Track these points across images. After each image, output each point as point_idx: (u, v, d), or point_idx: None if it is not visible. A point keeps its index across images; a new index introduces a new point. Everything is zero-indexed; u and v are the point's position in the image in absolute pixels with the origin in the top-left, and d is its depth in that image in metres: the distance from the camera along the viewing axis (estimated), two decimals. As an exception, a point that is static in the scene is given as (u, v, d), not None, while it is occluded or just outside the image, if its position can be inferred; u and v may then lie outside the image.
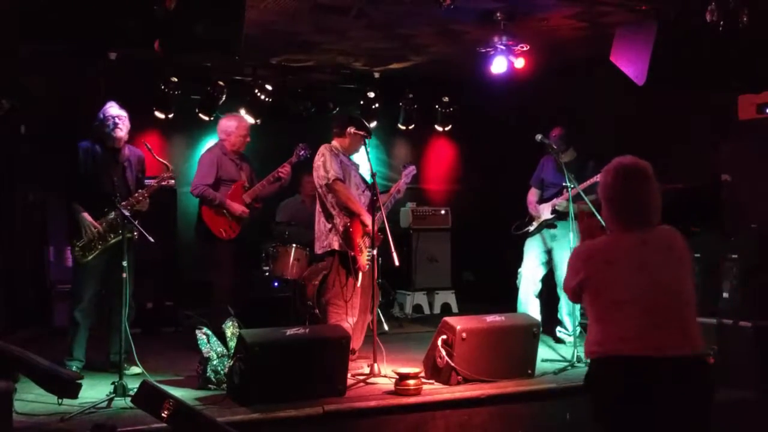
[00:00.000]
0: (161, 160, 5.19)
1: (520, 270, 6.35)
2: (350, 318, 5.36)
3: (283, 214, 7.43)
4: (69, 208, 5.19)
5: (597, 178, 5.69)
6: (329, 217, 5.41)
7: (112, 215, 5.11)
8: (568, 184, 5.73)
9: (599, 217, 5.53)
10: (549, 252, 6.26)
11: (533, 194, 6.46)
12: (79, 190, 5.18)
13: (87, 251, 5.13)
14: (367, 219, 5.25)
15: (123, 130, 5.25)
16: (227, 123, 6.14)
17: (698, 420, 2.79)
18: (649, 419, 2.78)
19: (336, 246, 5.36)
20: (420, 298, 8.33)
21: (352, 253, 5.28)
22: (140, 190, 5.24)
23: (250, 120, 7.96)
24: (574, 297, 3.06)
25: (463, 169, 9.70)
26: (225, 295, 5.88)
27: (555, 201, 6.17)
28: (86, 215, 5.12)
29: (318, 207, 5.53)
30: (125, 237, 4.71)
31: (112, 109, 5.24)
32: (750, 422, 4.50)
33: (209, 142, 6.25)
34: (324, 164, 5.36)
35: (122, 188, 5.22)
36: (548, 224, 6.23)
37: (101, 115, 5.22)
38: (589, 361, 3.01)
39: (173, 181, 7.43)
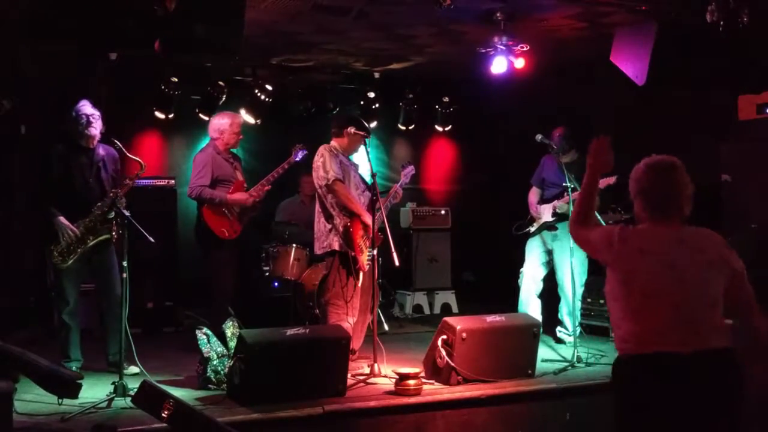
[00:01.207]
0: (134, 157, 5.09)
1: (522, 270, 6.35)
2: (350, 318, 5.36)
3: (283, 214, 7.43)
4: (43, 213, 5.13)
5: (611, 179, 5.76)
6: (329, 217, 5.41)
7: (112, 215, 5.09)
8: (569, 184, 5.72)
9: (600, 219, 5.55)
10: (550, 252, 6.26)
11: (534, 194, 6.44)
12: (52, 192, 5.12)
13: (66, 256, 5.06)
14: (368, 219, 5.25)
15: (96, 128, 5.19)
16: (220, 121, 6.04)
17: (726, 412, 2.80)
18: (674, 416, 2.78)
19: (336, 246, 5.36)
20: (420, 298, 8.33)
21: (353, 254, 5.28)
22: (115, 189, 5.15)
23: (250, 120, 7.98)
24: (587, 239, 3.08)
25: (463, 169, 9.70)
26: (226, 296, 5.87)
27: (555, 203, 6.16)
28: (62, 219, 5.05)
29: (318, 207, 5.52)
30: (125, 238, 4.69)
31: (85, 107, 5.18)
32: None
33: (207, 142, 6.21)
34: (323, 165, 5.35)
35: (97, 189, 5.19)
36: (549, 226, 6.22)
37: (74, 114, 5.16)
38: (616, 357, 3.00)
39: (173, 181, 7.47)
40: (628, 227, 2.99)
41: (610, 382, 3.06)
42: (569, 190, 5.73)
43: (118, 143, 5.09)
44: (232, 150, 6.13)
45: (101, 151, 5.30)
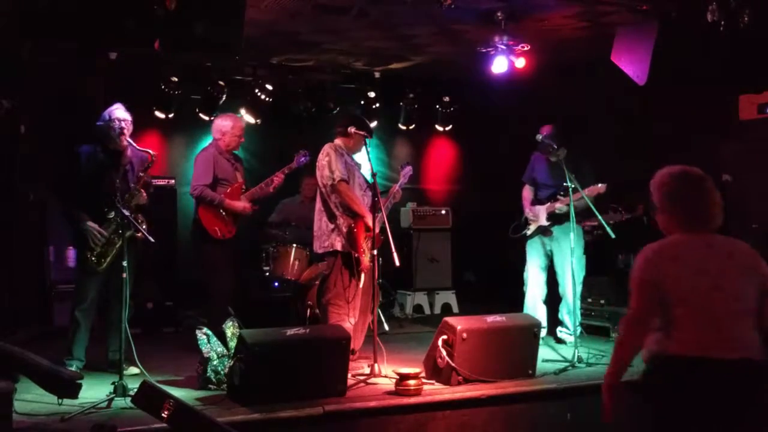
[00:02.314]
0: (142, 149, 5.13)
1: (525, 275, 6.33)
2: (351, 318, 5.35)
3: (282, 215, 7.42)
4: (70, 216, 5.11)
5: (600, 188, 5.73)
6: (332, 217, 5.40)
7: (112, 215, 5.07)
8: (569, 184, 5.67)
9: (601, 219, 5.54)
10: (550, 254, 6.24)
11: (528, 191, 6.41)
12: (79, 194, 5.10)
13: (101, 258, 5.05)
14: (370, 221, 5.23)
15: (128, 134, 5.20)
16: (222, 123, 6.07)
17: (748, 422, 2.79)
18: (701, 420, 2.78)
19: (339, 247, 5.34)
20: (420, 299, 8.33)
21: (356, 255, 5.27)
22: (132, 185, 5.14)
23: (251, 120, 7.97)
24: (646, 313, 2.92)
25: (463, 169, 9.70)
26: (223, 296, 5.86)
27: (551, 205, 6.11)
28: (90, 223, 5.03)
29: (320, 206, 5.50)
30: (125, 237, 4.69)
31: (119, 111, 5.14)
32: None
33: (209, 142, 6.22)
34: (329, 164, 5.34)
35: (123, 190, 5.16)
36: (544, 230, 6.19)
37: (107, 116, 5.13)
38: (648, 359, 2.96)
39: (173, 181, 7.47)
40: (656, 246, 2.95)
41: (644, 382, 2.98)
42: (570, 189, 5.69)
43: (130, 140, 5.12)
44: (234, 152, 6.15)
45: (129, 153, 5.28)
